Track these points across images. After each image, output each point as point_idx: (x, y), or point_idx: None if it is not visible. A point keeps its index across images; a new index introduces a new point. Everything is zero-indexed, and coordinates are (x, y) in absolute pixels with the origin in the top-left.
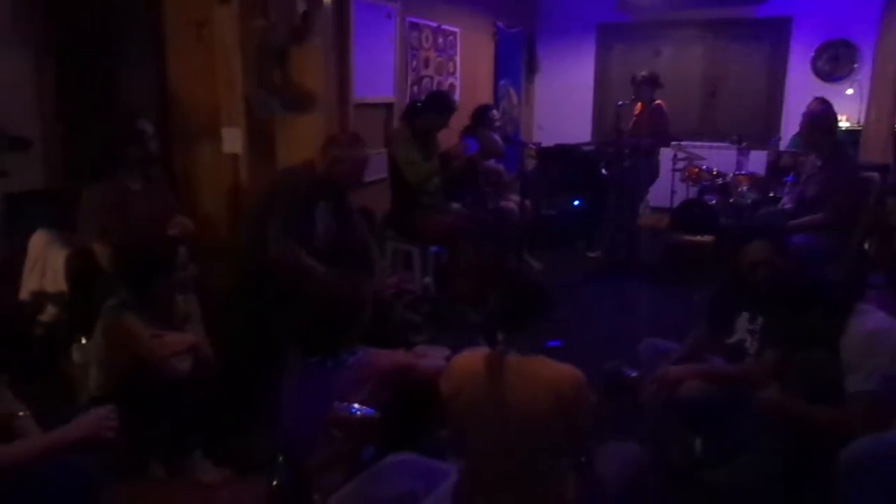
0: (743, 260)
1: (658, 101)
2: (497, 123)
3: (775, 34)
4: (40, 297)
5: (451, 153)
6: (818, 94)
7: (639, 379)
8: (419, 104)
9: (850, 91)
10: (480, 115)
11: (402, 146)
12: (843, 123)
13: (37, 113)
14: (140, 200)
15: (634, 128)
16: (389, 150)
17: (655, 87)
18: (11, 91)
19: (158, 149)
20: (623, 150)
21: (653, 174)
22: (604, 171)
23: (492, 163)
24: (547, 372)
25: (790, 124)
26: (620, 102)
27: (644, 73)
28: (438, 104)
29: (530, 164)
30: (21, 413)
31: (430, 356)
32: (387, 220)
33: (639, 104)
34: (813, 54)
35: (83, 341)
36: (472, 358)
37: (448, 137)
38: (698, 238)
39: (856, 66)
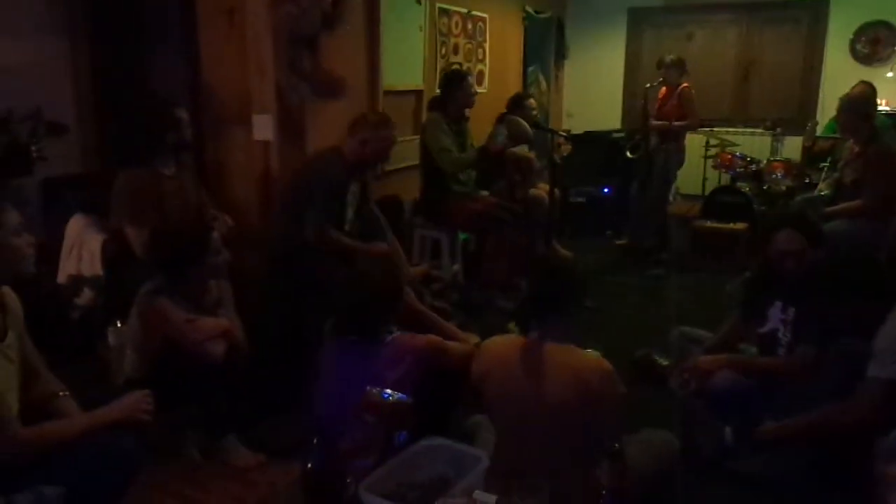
0: (772, 248)
1: (685, 84)
2: (534, 112)
3: (812, 16)
4: (77, 281)
5: (489, 146)
6: (857, 78)
7: (669, 367)
8: (442, 93)
9: (889, 74)
10: (516, 104)
11: (435, 134)
12: (884, 107)
13: (72, 99)
14: (172, 186)
15: (660, 112)
16: (422, 137)
17: (682, 72)
18: (48, 77)
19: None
20: (649, 133)
21: (680, 159)
22: (629, 154)
23: (525, 149)
24: (575, 361)
25: (826, 109)
26: (648, 85)
27: (672, 56)
28: (452, 80)
29: (564, 150)
30: (62, 392)
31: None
32: (416, 207)
33: (664, 88)
34: (851, 37)
35: (119, 325)
36: (505, 342)
37: (477, 125)
38: (730, 226)
39: None
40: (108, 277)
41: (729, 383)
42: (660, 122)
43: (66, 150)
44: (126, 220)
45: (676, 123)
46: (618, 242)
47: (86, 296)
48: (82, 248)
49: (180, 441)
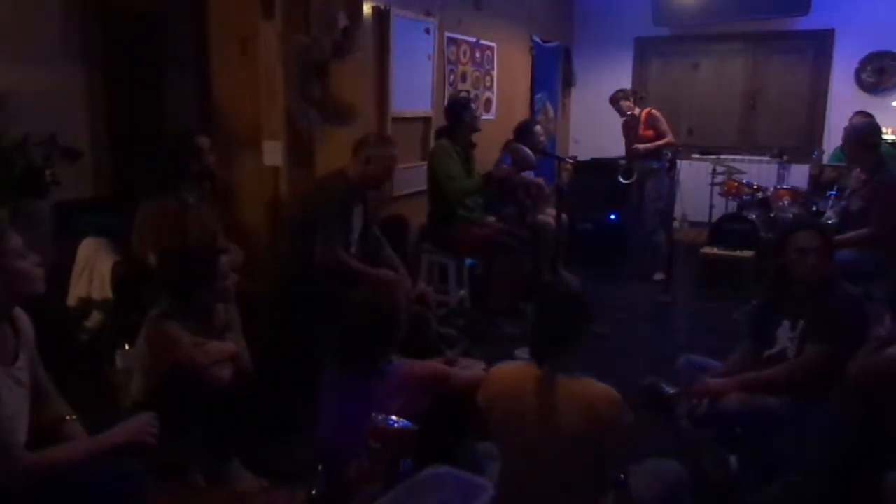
0: (791, 247)
1: (647, 109)
2: (541, 138)
3: (818, 46)
4: (87, 304)
5: (495, 173)
6: (863, 107)
7: (676, 395)
8: (448, 121)
9: (895, 103)
10: (523, 131)
11: (443, 161)
12: (890, 136)
13: (86, 124)
14: (194, 214)
15: (639, 139)
16: (430, 164)
17: (632, 99)
18: (63, 103)
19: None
20: (633, 160)
21: (671, 177)
22: (622, 179)
23: (532, 175)
24: (583, 390)
25: (833, 137)
26: (625, 117)
27: (619, 92)
28: (457, 107)
29: (566, 177)
30: (69, 417)
31: (467, 366)
32: (423, 233)
33: (629, 117)
34: (857, 66)
35: (127, 348)
36: (512, 370)
37: (485, 152)
38: (737, 253)
39: None
40: (117, 300)
41: (738, 406)
42: (643, 146)
43: (80, 174)
44: (149, 249)
45: (654, 144)
46: (623, 272)
47: (94, 318)
48: (93, 272)
49: (185, 465)
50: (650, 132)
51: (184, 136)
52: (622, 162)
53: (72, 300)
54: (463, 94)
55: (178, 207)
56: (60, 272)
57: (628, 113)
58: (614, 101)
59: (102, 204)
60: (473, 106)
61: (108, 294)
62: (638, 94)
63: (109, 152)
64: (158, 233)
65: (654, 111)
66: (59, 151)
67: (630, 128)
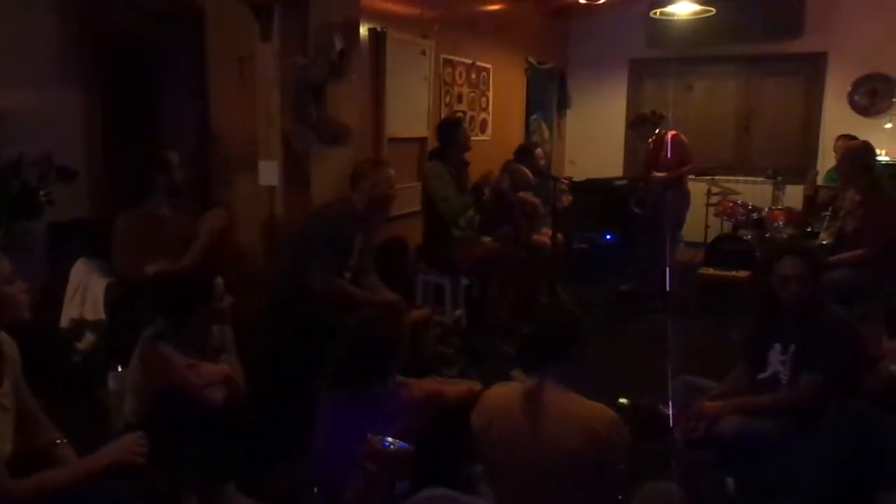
0: (775, 274)
1: (672, 133)
2: (542, 161)
3: (810, 69)
4: (79, 325)
5: (482, 182)
6: (855, 129)
7: (672, 416)
8: (440, 142)
9: (888, 125)
10: (524, 153)
11: (436, 183)
12: (884, 157)
13: (82, 144)
14: (168, 227)
15: (659, 163)
16: (424, 185)
17: (657, 124)
18: (58, 123)
19: (187, 179)
20: (650, 186)
21: (687, 203)
22: (636, 209)
23: (530, 195)
24: (580, 410)
25: (827, 158)
26: (652, 139)
27: (644, 112)
28: (448, 127)
29: (566, 201)
30: (58, 440)
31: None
32: (419, 253)
33: (651, 141)
34: (849, 88)
35: (120, 369)
36: (505, 391)
37: (478, 172)
38: (733, 273)
39: (894, 99)
40: (110, 322)
41: (735, 428)
42: (661, 174)
43: (74, 195)
44: (127, 261)
45: (679, 171)
46: (622, 288)
47: (87, 340)
48: (86, 292)
49: (178, 488)
50: (674, 157)
51: (152, 151)
52: (641, 191)
53: (64, 321)
54: (459, 114)
55: (152, 220)
56: (53, 293)
57: (652, 138)
58: (634, 125)
59: (97, 225)
60: (465, 125)
61: (102, 315)
62: (657, 114)
63: (105, 172)
64: (135, 245)
65: (680, 136)
66: (55, 172)
67: (652, 152)
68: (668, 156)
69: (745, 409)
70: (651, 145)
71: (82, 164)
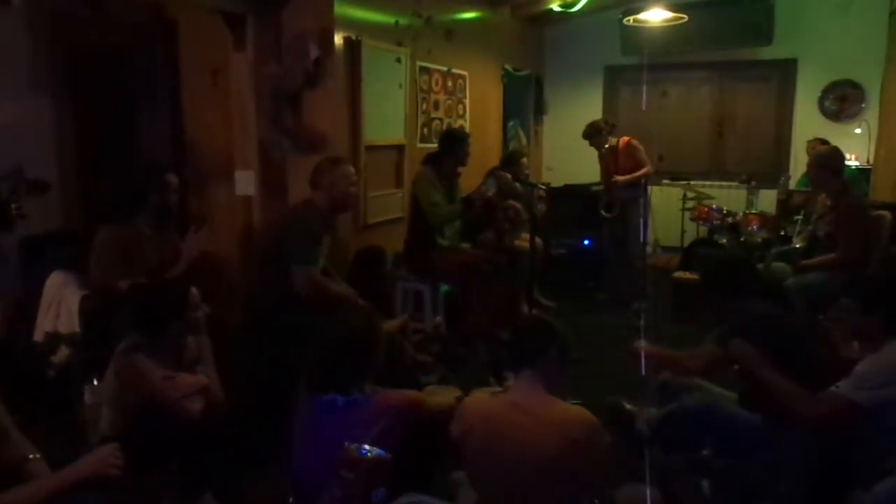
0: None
1: (625, 139)
2: (526, 171)
3: (781, 75)
4: (54, 339)
5: (473, 196)
6: (826, 134)
7: (635, 413)
8: (440, 149)
9: (858, 130)
10: (509, 161)
11: (427, 189)
12: (854, 162)
13: (55, 157)
14: (150, 245)
15: (619, 169)
16: (413, 190)
17: (609, 131)
18: (31, 136)
19: (177, 203)
20: (614, 191)
21: (646, 205)
22: (604, 213)
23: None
24: (558, 414)
25: (799, 163)
26: (606, 147)
27: (596, 123)
28: (453, 139)
29: (541, 208)
30: (31, 456)
31: (441, 395)
32: (400, 259)
33: (606, 148)
34: (820, 94)
35: (95, 382)
36: (485, 399)
37: (466, 180)
38: None
39: (864, 105)
40: (85, 334)
41: (697, 403)
42: (622, 178)
43: (47, 207)
44: (104, 273)
45: (638, 174)
46: (600, 297)
47: (62, 353)
48: (60, 306)
49: (156, 500)
50: (630, 163)
51: (154, 171)
52: (601, 193)
53: (38, 335)
54: (461, 125)
55: (133, 236)
56: (27, 307)
57: (606, 146)
58: (589, 135)
59: (70, 237)
60: (469, 142)
61: (76, 328)
62: (609, 122)
63: (79, 184)
64: (114, 259)
65: (633, 141)
66: (27, 185)
67: (608, 159)
68: (623, 162)
69: (665, 360)
70: (607, 153)
71: (55, 177)
